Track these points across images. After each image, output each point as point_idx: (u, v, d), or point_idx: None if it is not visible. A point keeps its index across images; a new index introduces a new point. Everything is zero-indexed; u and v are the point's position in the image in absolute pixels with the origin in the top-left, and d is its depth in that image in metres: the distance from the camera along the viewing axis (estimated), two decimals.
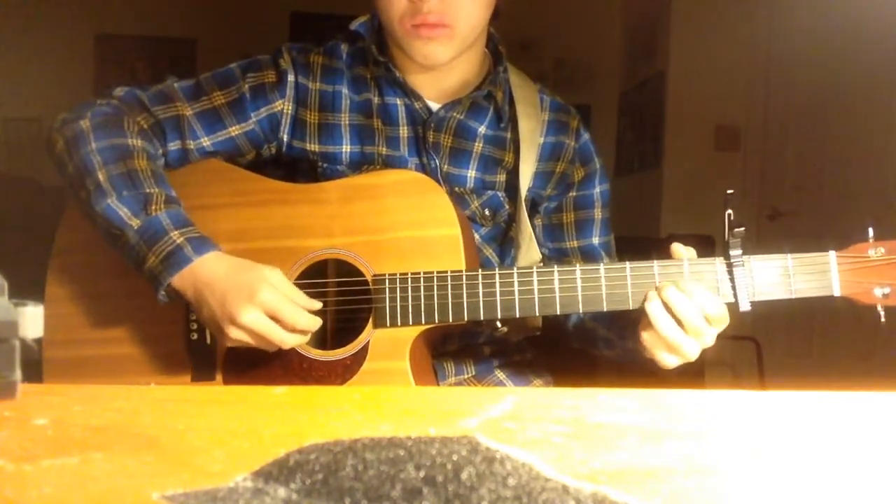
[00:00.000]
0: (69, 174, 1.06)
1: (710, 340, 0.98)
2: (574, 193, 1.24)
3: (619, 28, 4.30)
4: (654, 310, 0.96)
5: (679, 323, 0.96)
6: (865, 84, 3.38)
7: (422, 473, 0.44)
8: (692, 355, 0.98)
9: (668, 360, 0.99)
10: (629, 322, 1.07)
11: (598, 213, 1.25)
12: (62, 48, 3.88)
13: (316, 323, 0.99)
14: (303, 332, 0.99)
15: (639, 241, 3.46)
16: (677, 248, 1.00)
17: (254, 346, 0.99)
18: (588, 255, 1.24)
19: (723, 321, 0.97)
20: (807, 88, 3.56)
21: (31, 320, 0.64)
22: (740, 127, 3.69)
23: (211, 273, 0.98)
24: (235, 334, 0.96)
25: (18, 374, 0.63)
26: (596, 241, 1.25)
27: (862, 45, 3.19)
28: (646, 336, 1.00)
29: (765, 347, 3.13)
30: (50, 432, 0.56)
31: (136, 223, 1.00)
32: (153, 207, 1.00)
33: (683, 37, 3.62)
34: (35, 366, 1.06)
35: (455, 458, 0.46)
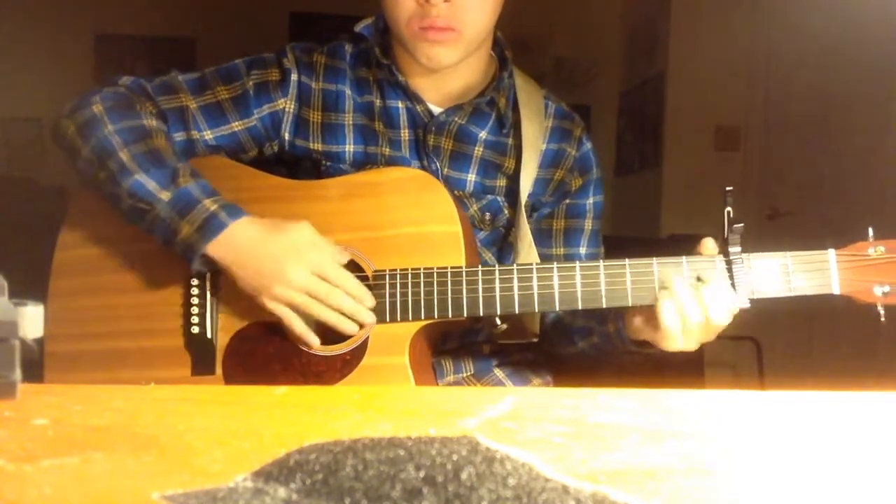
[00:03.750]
0: (83, 157, 1.06)
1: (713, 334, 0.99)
2: (568, 201, 1.24)
3: (619, 28, 4.29)
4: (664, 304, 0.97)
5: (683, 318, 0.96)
6: (865, 84, 3.38)
7: (422, 473, 0.44)
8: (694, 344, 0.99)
9: (674, 344, 0.99)
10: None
11: (588, 224, 1.25)
12: (62, 48, 3.88)
13: (365, 294, 1.01)
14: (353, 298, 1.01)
15: (639, 241, 3.46)
16: (705, 243, 1.00)
17: (253, 343, 1.00)
18: None
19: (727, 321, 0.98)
20: (807, 88, 3.56)
21: (31, 320, 0.64)
22: (740, 127, 3.69)
23: (248, 237, 0.99)
24: (285, 293, 0.99)
25: (18, 374, 0.63)
26: (583, 251, 1.24)
27: (862, 46, 3.19)
28: (640, 320, 1.02)
29: (765, 347, 3.12)
30: (50, 432, 0.56)
31: (166, 195, 1.00)
32: (181, 179, 1.01)
33: (683, 37, 3.62)
34: (35, 366, 1.06)
35: (455, 458, 0.46)
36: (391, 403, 0.69)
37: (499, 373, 1.22)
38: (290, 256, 0.98)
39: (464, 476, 0.44)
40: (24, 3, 3.75)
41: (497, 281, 1.01)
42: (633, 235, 3.67)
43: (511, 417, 0.60)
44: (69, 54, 3.90)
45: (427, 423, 0.58)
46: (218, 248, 0.99)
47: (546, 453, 0.50)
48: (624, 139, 4.25)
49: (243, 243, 0.99)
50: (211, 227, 0.98)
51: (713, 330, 0.98)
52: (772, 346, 3.22)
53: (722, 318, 0.96)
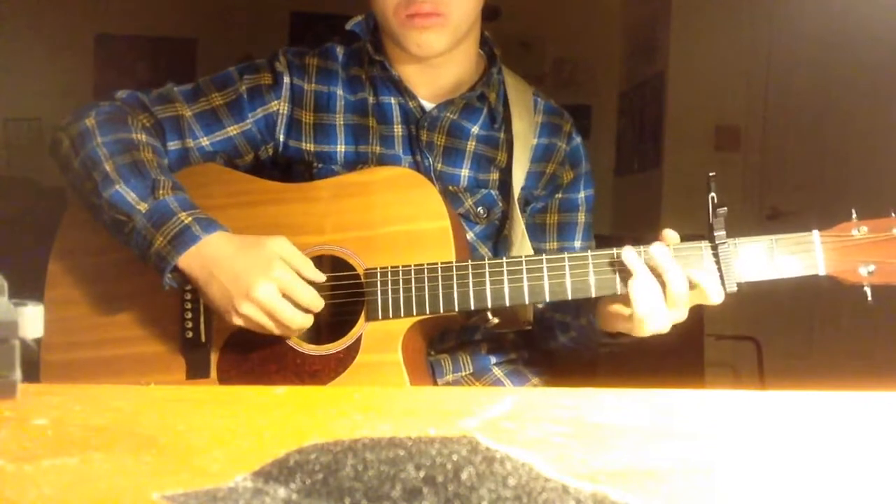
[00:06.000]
0: (74, 170, 1.08)
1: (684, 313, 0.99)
2: (560, 195, 1.26)
3: (619, 28, 4.30)
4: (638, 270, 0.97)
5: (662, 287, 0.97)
6: (865, 84, 3.39)
7: (422, 473, 0.44)
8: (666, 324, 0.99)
9: (645, 327, 0.99)
10: (582, 300, 1.08)
11: (581, 217, 1.27)
12: (62, 48, 3.88)
13: (320, 303, 1.00)
14: (307, 311, 1.00)
15: (638, 241, 3.46)
16: (667, 233, 1.01)
17: (257, 330, 1.00)
18: None
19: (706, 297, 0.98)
20: (807, 88, 3.56)
21: (31, 320, 0.64)
22: (740, 127, 3.69)
23: (219, 250, 0.99)
24: (246, 309, 0.97)
25: (18, 374, 0.63)
26: (577, 244, 1.26)
27: (862, 46, 3.19)
28: (612, 309, 1.02)
29: (765, 347, 3.12)
30: (50, 432, 0.56)
31: (143, 207, 1.01)
32: (161, 192, 1.02)
33: (683, 37, 3.62)
34: (33, 366, 1.06)
35: (455, 458, 0.46)
36: (391, 403, 0.69)
37: (497, 371, 1.23)
38: (257, 272, 0.96)
39: (464, 476, 0.44)
40: (24, 3, 3.75)
41: (487, 275, 1.02)
42: (632, 235, 3.67)
43: (511, 417, 0.60)
44: (69, 54, 3.90)
45: (427, 423, 0.58)
46: (189, 261, 0.99)
47: (546, 453, 0.50)
48: (624, 139, 4.24)
49: (214, 258, 0.98)
50: (183, 239, 0.98)
51: (680, 303, 0.97)
52: (772, 346, 3.22)
53: (681, 286, 0.96)
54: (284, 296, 0.98)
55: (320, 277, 1.02)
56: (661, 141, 3.72)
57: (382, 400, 0.71)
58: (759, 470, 0.50)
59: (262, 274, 0.96)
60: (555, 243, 1.25)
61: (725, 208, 0.96)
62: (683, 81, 3.62)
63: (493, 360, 1.23)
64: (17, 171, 3.94)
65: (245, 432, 0.56)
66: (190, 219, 1.00)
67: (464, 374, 1.21)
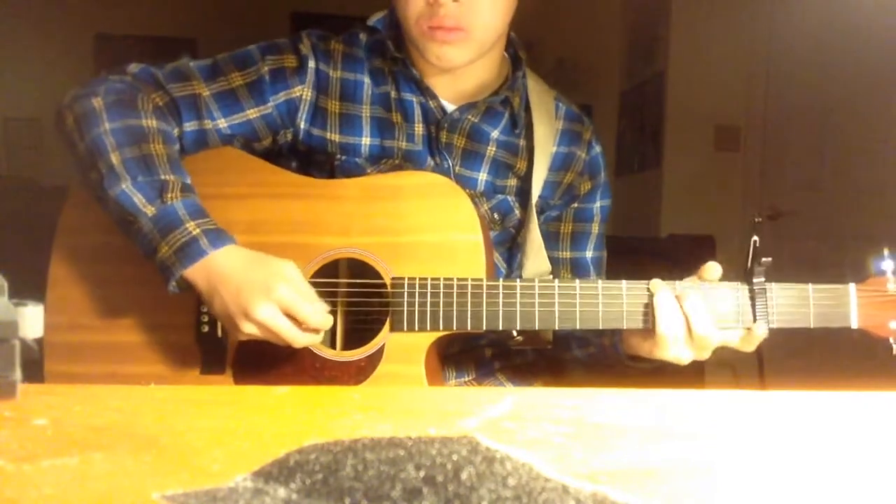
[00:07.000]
0: (79, 154, 1.03)
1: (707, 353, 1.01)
2: (576, 205, 1.24)
3: (619, 28, 4.29)
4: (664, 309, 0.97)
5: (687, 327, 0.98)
6: (865, 84, 3.38)
7: (422, 473, 0.44)
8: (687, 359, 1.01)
9: (666, 351, 1.00)
10: None
11: (595, 228, 1.25)
12: (62, 48, 3.88)
13: (328, 322, 0.97)
14: (315, 331, 0.97)
15: (639, 241, 3.45)
16: (710, 267, 1.01)
17: (265, 340, 0.97)
18: (577, 268, 1.24)
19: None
20: (807, 88, 3.56)
21: (31, 320, 0.64)
22: (740, 127, 3.69)
23: (225, 266, 0.95)
24: (248, 328, 0.95)
25: (18, 374, 0.63)
26: (588, 254, 1.24)
27: (862, 45, 3.19)
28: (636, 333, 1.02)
29: (765, 347, 3.12)
30: (50, 432, 0.56)
31: (150, 210, 0.96)
32: (169, 195, 0.97)
33: (683, 37, 3.62)
34: (35, 366, 1.05)
35: (455, 458, 0.46)
36: (391, 403, 0.69)
37: (501, 376, 1.22)
38: (257, 291, 0.93)
39: (464, 476, 0.44)
40: (24, 3, 3.75)
41: (518, 296, 0.99)
42: (633, 235, 3.68)
43: (511, 417, 0.60)
44: (69, 54, 3.90)
45: (427, 423, 0.58)
46: (195, 274, 0.95)
47: (546, 453, 0.50)
48: (624, 139, 4.25)
49: (219, 273, 0.95)
50: (189, 252, 0.95)
51: (703, 343, 0.99)
52: (772, 346, 3.22)
53: (705, 329, 0.98)
54: (288, 316, 0.94)
55: (324, 308, 0.98)
56: (661, 141, 3.72)
57: (382, 400, 0.71)
58: (759, 470, 0.50)
59: (263, 294, 0.93)
60: (567, 253, 1.24)
61: (770, 259, 0.98)
62: (683, 81, 3.62)
63: (497, 364, 1.23)
64: (17, 171, 3.94)
65: (245, 432, 0.56)
66: (198, 230, 0.96)
67: (467, 378, 1.20)
